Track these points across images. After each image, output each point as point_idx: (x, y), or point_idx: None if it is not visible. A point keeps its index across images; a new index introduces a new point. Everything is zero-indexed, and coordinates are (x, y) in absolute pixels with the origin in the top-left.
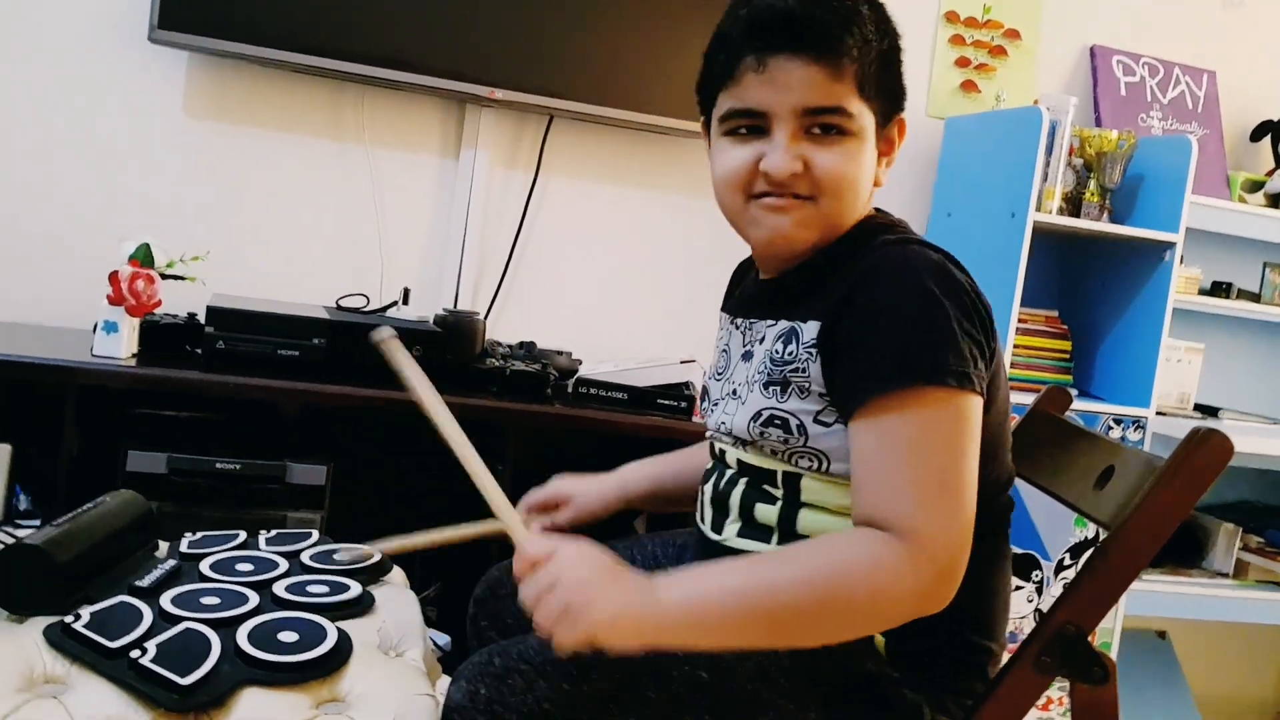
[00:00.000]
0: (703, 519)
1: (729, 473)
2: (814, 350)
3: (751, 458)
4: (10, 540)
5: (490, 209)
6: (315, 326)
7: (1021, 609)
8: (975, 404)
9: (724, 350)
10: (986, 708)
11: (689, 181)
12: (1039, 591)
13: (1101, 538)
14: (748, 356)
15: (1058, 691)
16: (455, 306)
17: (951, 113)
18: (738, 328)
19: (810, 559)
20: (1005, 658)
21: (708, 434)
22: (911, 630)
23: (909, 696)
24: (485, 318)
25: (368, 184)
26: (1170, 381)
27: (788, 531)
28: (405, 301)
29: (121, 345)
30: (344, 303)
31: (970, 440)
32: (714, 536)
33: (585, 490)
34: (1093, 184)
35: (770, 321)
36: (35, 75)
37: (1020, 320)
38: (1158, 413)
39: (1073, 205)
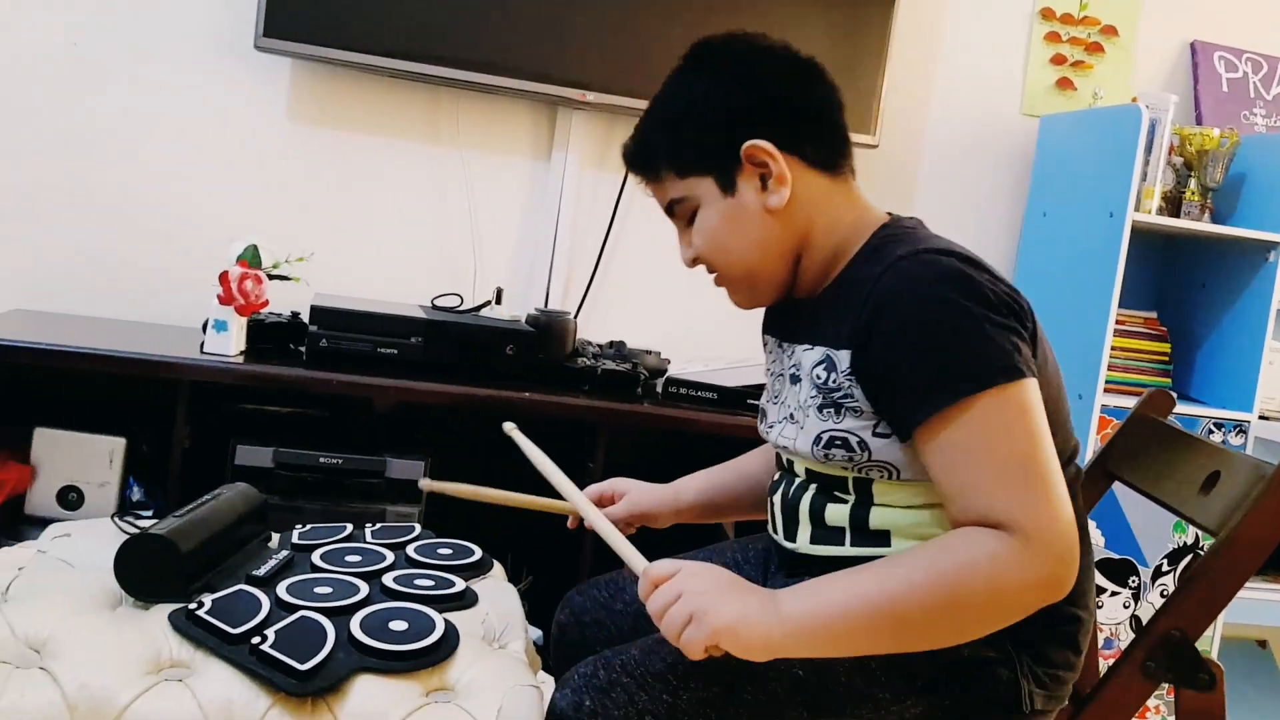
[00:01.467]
0: (775, 529)
1: (798, 480)
2: (852, 378)
3: (821, 468)
4: (134, 530)
5: (580, 210)
6: (413, 325)
7: (1118, 615)
8: (1030, 387)
9: (774, 374)
10: (1090, 712)
11: None
12: (1135, 598)
13: (1206, 544)
14: (795, 380)
15: (1154, 700)
16: (546, 306)
17: (1047, 111)
18: (782, 350)
19: (929, 561)
20: (1092, 625)
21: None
22: None
23: (1004, 675)
24: (576, 317)
25: (461, 186)
26: (1273, 385)
27: (860, 529)
28: (498, 301)
29: (231, 343)
30: (439, 302)
31: (1038, 424)
32: (789, 545)
33: (640, 489)
34: (1193, 183)
35: (806, 346)
36: (148, 84)
37: (1118, 322)
38: (1260, 417)
39: (1172, 205)
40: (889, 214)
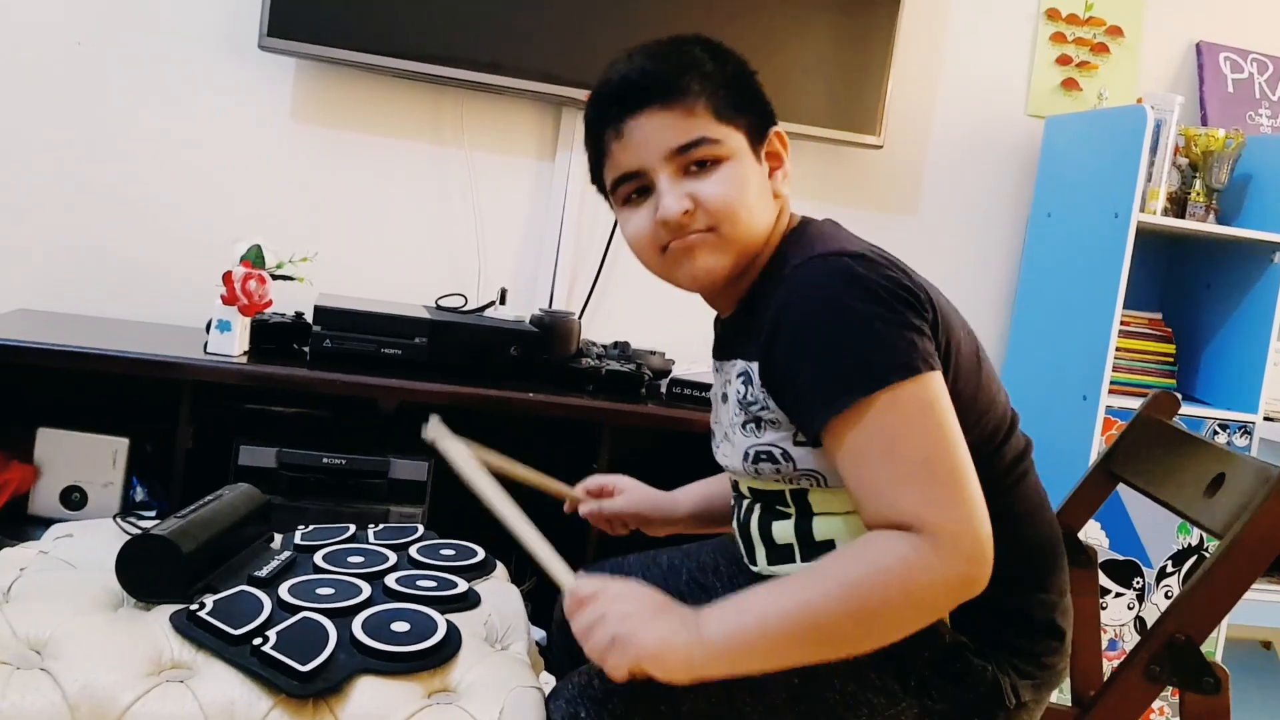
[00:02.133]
0: (741, 554)
1: (745, 503)
2: (764, 390)
3: (759, 484)
4: (136, 531)
5: (585, 210)
6: (417, 326)
7: (1122, 616)
8: (930, 382)
9: (714, 394)
10: (1094, 715)
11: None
12: (1140, 599)
13: (1211, 546)
14: (725, 399)
15: (1159, 702)
16: (550, 306)
17: (1052, 111)
18: (719, 370)
19: (841, 570)
20: (1070, 604)
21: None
22: (972, 604)
23: (990, 672)
24: (580, 317)
25: (466, 186)
26: (1278, 386)
27: (807, 542)
28: (502, 301)
29: (234, 343)
30: (443, 302)
31: (941, 419)
32: (753, 569)
33: (639, 491)
34: (1199, 184)
35: (731, 361)
36: (151, 83)
37: (1123, 323)
38: (1265, 418)
39: (1178, 206)
40: (802, 217)
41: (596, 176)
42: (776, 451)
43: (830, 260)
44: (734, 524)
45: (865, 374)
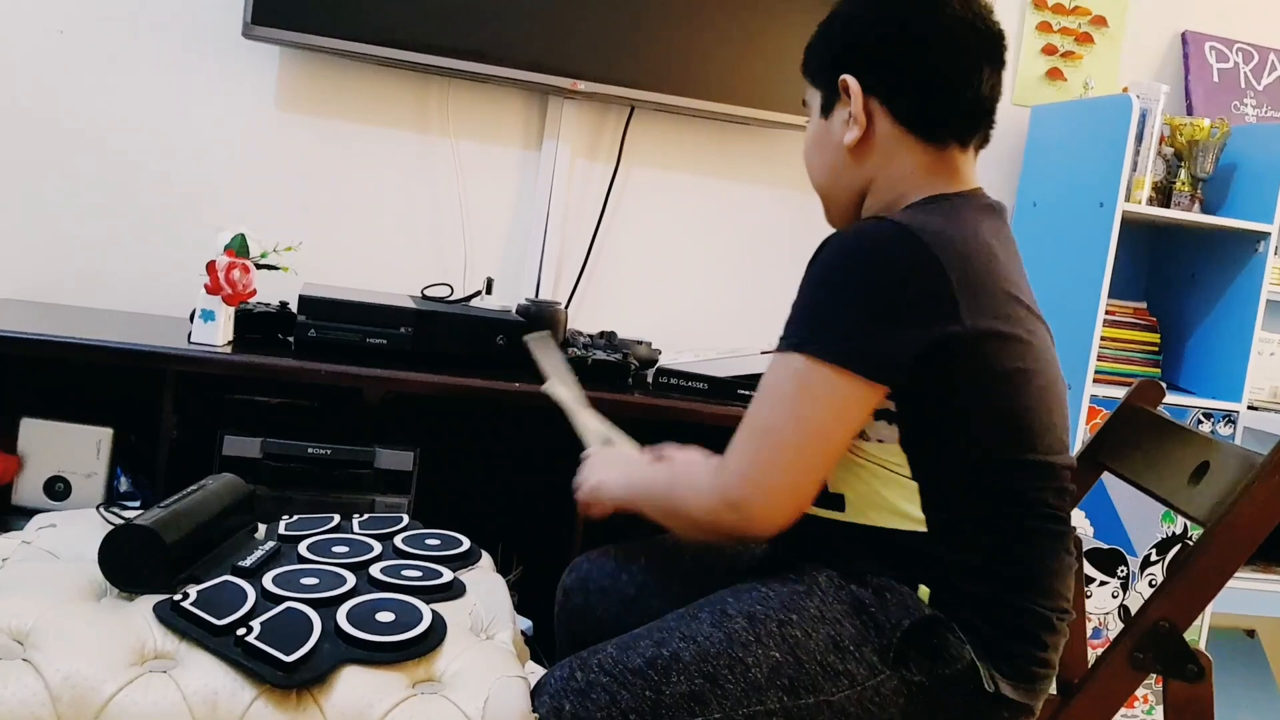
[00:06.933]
0: None
1: None
2: None
3: None
4: (119, 521)
5: (571, 200)
6: (403, 316)
7: (1106, 604)
8: (839, 381)
9: None
10: (1078, 702)
11: (769, 171)
12: (1124, 588)
13: (1194, 534)
14: None
15: (1143, 689)
16: (537, 296)
17: (1037, 101)
18: None
19: (673, 470)
20: (1066, 626)
21: None
22: (958, 592)
23: (966, 656)
24: (567, 307)
25: (452, 175)
26: (1262, 375)
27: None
28: (488, 291)
29: (218, 333)
30: (429, 292)
31: (813, 411)
32: None
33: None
34: (1184, 173)
35: None
36: (135, 71)
37: (1108, 312)
38: (1249, 407)
39: (1163, 195)
40: (974, 189)
41: None
42: None
43: (880, 226)
44: None
45: (798, 333)
